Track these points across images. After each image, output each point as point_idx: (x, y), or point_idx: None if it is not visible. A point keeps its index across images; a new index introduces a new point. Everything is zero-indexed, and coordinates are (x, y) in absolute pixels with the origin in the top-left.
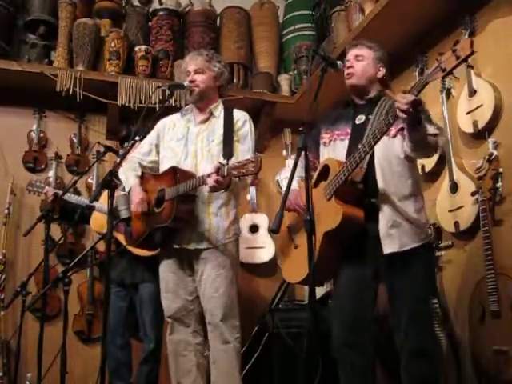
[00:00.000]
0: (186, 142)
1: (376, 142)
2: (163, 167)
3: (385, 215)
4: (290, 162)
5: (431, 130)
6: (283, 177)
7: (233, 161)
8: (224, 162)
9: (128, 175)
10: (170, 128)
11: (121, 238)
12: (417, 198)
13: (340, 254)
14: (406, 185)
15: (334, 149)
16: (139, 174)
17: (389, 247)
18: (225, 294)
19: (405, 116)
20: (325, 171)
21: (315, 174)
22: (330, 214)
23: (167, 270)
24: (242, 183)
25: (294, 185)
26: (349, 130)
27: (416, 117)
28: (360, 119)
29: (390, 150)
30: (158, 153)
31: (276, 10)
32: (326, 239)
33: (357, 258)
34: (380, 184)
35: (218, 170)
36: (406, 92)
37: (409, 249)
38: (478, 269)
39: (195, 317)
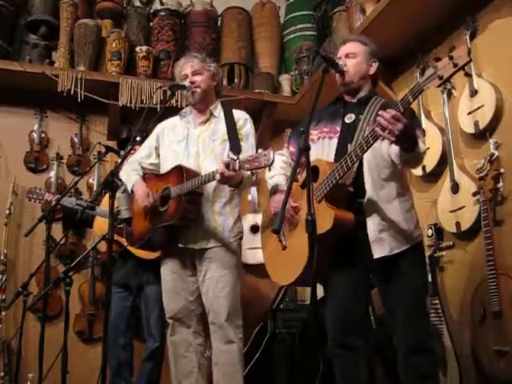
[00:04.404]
0: (186, 144)
1: (367, 150)
2: (165, 168)
3: (373, 219)
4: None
5: (422, 147)
6: (268, 175)
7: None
8: (234, 157)
9: (130, 174)
10: (169, 130)
11: (122, 239)
12: (405, 197)
13: (330, 257)
14: (393, 186)
15: (322, 147)
16: (141, 173)
17: (378, 252)
18: (229, 294)
19: (384, 134)
20: (313, 172)
21: (302, 175)
22: (321, 217)
23: (169, 270)
24: (251, 180)
25: (282, 182)
26: (338, 129)
27: (410, 140)
28: (350, 118)
29: (378, 153)
30: (157, 156)
31: (277, 11)
32: (318, 242)
33: (348, 260)
34: (368, 186)
35: (228, 165)
36: (402, 98)
37: (399, 252)
38: (479, 269)
39: (196, 317)
